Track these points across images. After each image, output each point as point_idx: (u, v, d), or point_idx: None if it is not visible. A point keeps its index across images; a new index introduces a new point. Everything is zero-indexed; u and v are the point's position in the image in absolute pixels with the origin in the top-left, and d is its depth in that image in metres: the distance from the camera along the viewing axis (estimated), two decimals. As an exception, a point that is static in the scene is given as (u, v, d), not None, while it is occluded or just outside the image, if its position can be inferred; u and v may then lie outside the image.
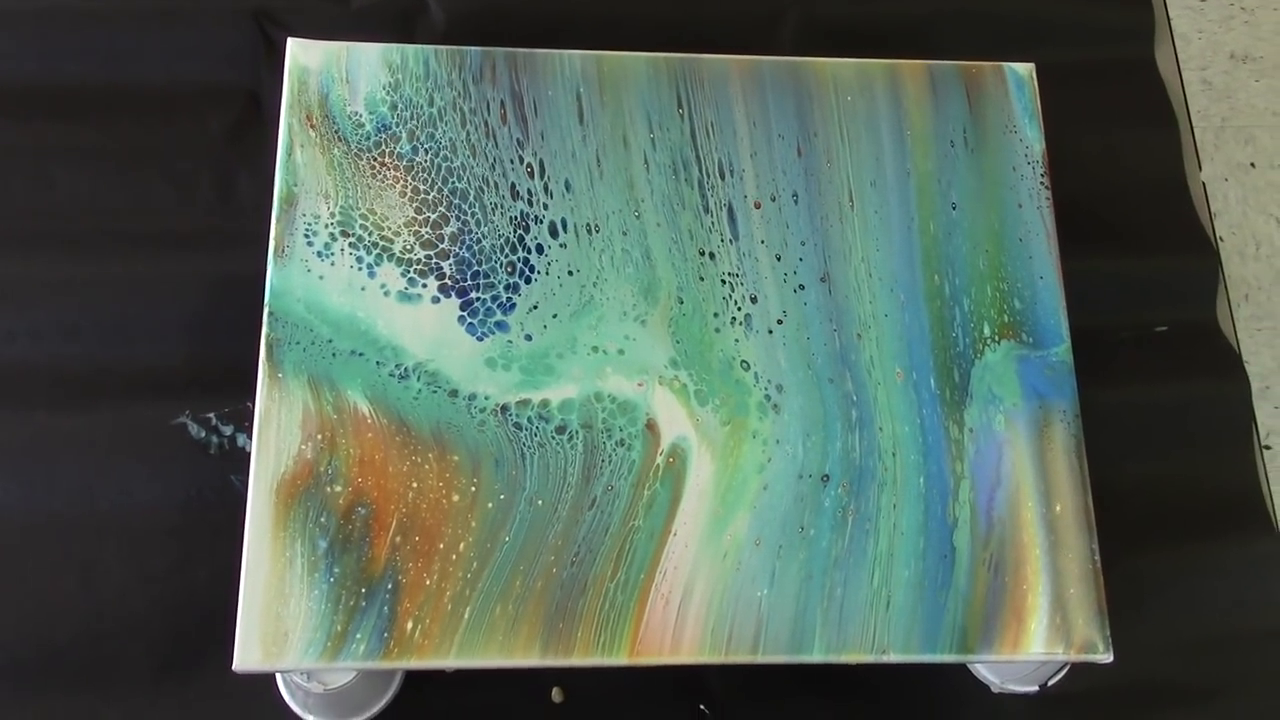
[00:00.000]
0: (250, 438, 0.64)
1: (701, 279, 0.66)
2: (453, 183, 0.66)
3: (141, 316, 0.70)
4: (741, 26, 0.79)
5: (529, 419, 0.62)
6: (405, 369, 0.63)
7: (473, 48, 0.69)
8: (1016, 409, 0.65)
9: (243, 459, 0.66)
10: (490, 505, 0.61)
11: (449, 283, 0.64)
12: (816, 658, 0.60)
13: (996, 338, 0.66)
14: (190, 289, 0.71)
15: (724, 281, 0.66)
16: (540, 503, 0.61)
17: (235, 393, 0.68)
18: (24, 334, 0.69)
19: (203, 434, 0.68)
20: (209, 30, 0.76)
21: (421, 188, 0.66)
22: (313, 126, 0.67)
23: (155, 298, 0.70)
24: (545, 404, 0.63)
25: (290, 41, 0.68)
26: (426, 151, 0.67)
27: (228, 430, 0.68)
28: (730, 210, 0.67)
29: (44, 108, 0.74)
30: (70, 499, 0.67)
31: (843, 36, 0.79)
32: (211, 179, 0.73)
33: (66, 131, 0.74)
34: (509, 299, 0.64)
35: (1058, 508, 0.63)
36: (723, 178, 0.68)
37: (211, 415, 0.68)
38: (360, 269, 0.64)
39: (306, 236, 0.64)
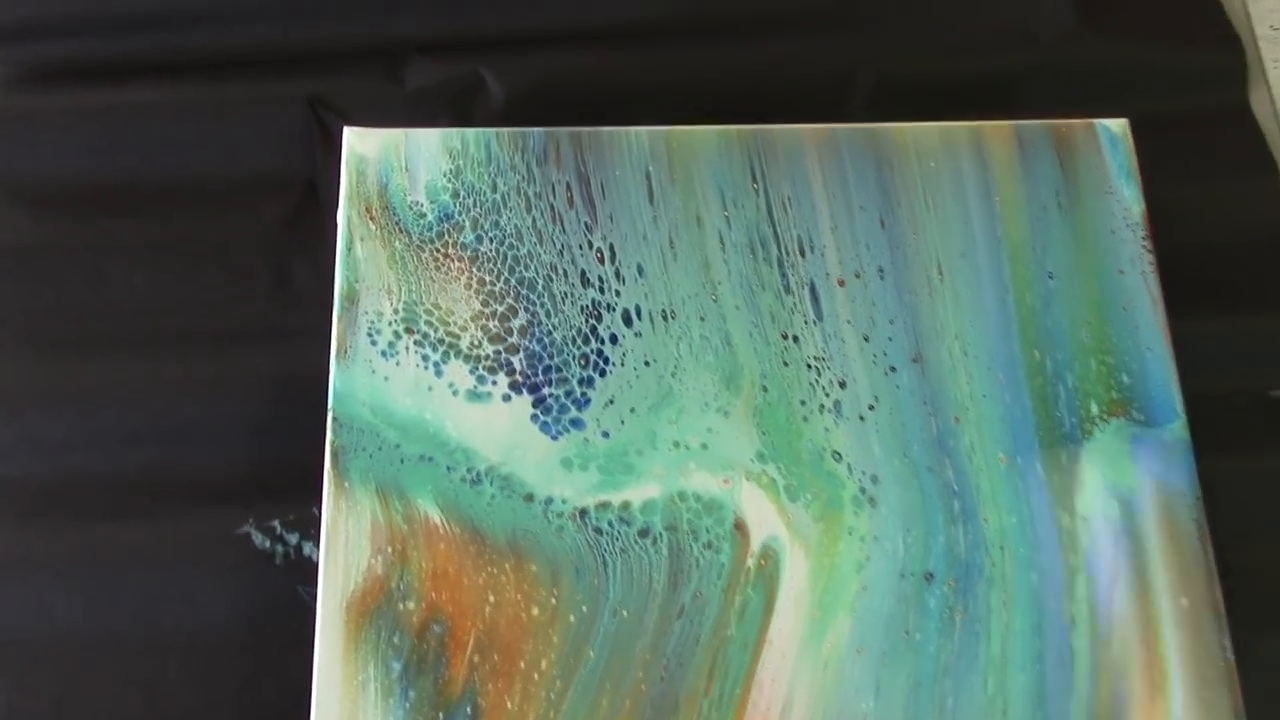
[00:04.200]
0: (317, 545, 0.61)
1: (786, 364, 0.62)
2: (520, 272, 0.63)
3: (202, 419, 0.67)
4: (810, 92, 0.75)
5: (610, 522, 0.59)
6: (477, 473, 0.59)
7: (535, 129, 0.66)
8: (1132, 493, 0.60)
9: (310, 568, 0.63)
10: (572, 618, 0.57)
11: (520, 379, 0.61)
12: (930, 776, 0.55)
13: (1105, 416, 0.61)
14: (250, 388, 0.68)
15: (810, 366, 0.62)
16: (625, 614, 0.57)
17: (300, 497, 0.65)
18: (81, 441, 0.67)
19: (267, 543, 0.65)
20: (262, 118, 0.73)
21: (487, 279, 0.63)
22: (372, 219, 0.64)
23: (215, 399, 0.68)
24: (626, 506, 0.59)
25: (346, 131, 0.65)
26: (491, 240, 0.64)
27: (293, 539, 0.65)
28: (813, 289, 0.63)
29: (96, 204, 0.72)
30: (132, 615, 0.64)
31: (918, 98, 0.75)
32: (269, 270, 0.71)
33: (120, 227, 0.72)
34: (583, 394, 0.61)
35: (1184, 601, 0.58)
36: (803, 255, 0.64)
37: (276, 523, 0.65)
38: (426, 368, 0.61)
39: (370, 335, 0.61)
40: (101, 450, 0.67)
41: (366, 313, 0.62)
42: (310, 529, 0.65)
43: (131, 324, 0.70)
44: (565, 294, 0.63)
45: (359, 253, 0.63)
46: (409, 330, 0.62)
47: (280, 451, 0.67)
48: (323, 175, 0.73)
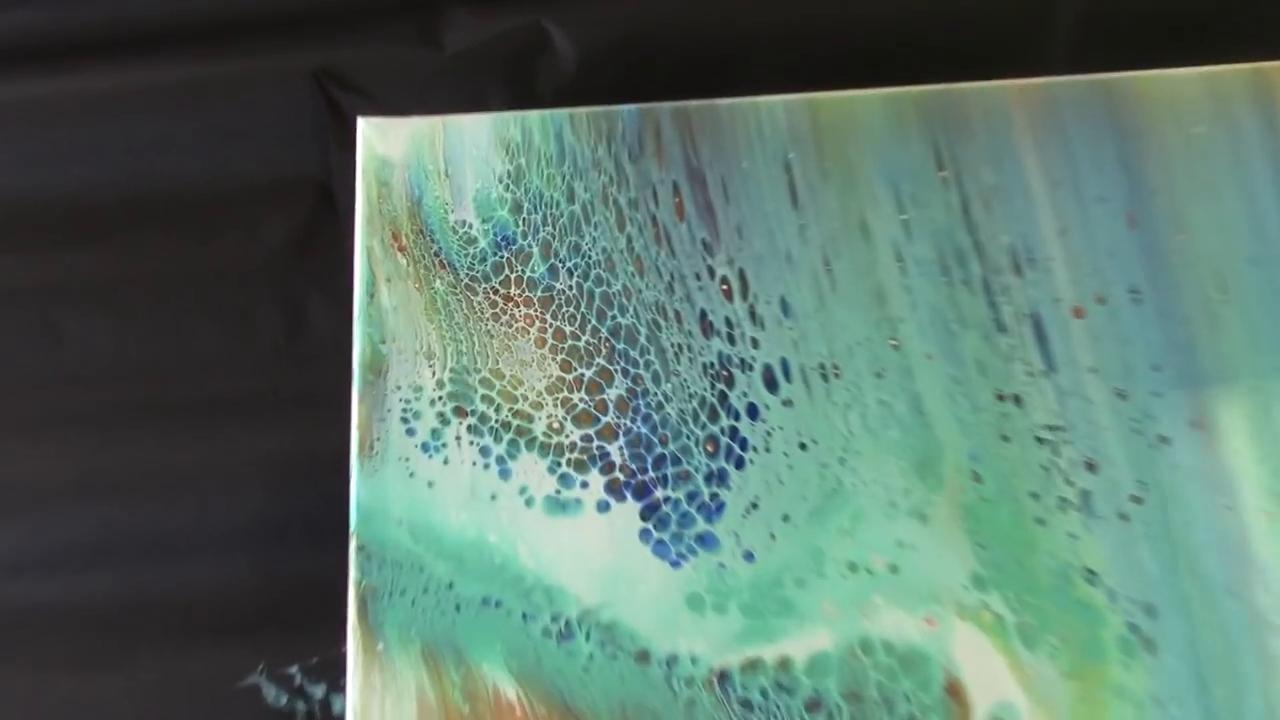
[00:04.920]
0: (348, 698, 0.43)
1: (1005, 439, 0.42)
2: (614, 317, 0.44)
3: (190, 524, 0.49)
4: (994, 28, 0.54)
5: (763, 690, 0.40)
6: (566, 622, 0.41)
7: (624, 106, 0.47)
8: None
9: (342, 731, 0.45)
10: (716, 842, 0.38)
11: (621, 477, 0.42)
12: None
13: None
14: (255, 479, 0.50)
15: (1041, 440, 0.42)
16: (794, 833, 0.39)
17: (325, 630, 0.47)
18: (33, 564, 0.50)
19: (284, 698, 0.47)
20: (257, 104, 0.55)
21: (568, 329, 0.44)
22: (402, 250, 0.45)
23: (207, 494, 0.50)
24: (786, 664, 0.40)
25: (361, 123, 0.46)
26: (571, 273, 0.45)
27: (318, 691, 0.47)
28: (1037, 323, 0.43)
29: (47, 233, 0.54)
30: (108, 802, 0.47)
31: (1148, 29, 0.54)
32: (274, 312, 0.53)
33: (77, 263, 0.54)
34: (714, 496, 0.42)
35: None
36: (1019, 272, 0.44)
37: (294, 670, 0.47)
38: (488, 466, 0.42)
39: (405, 420, 0.43)
40: (60, 572, 0.50)
41: (399, 388, 0.43)
42: (340, 676, 0.47)
43: (92, 395, 0.52)
44: (680, 347, 0.44)
45: (385, 300, 0.44)
46: (460, 411, 0.43)
47: (296, 567, 0.49)
48: (339, 177, 0.54)
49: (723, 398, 0.43)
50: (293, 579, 0.49)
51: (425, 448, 0.43)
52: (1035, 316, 0.44)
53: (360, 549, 0.42)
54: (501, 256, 0.45)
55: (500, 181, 0.46)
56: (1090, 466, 0.42)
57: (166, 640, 0.49)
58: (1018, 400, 0.43)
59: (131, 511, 0.50)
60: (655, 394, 0.43)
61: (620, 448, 0.43)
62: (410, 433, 0.43)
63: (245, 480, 0.50)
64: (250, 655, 0.48)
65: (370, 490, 0.42)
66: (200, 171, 0.55)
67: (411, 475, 0.42)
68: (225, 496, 0.50)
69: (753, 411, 0.43)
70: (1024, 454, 0.42)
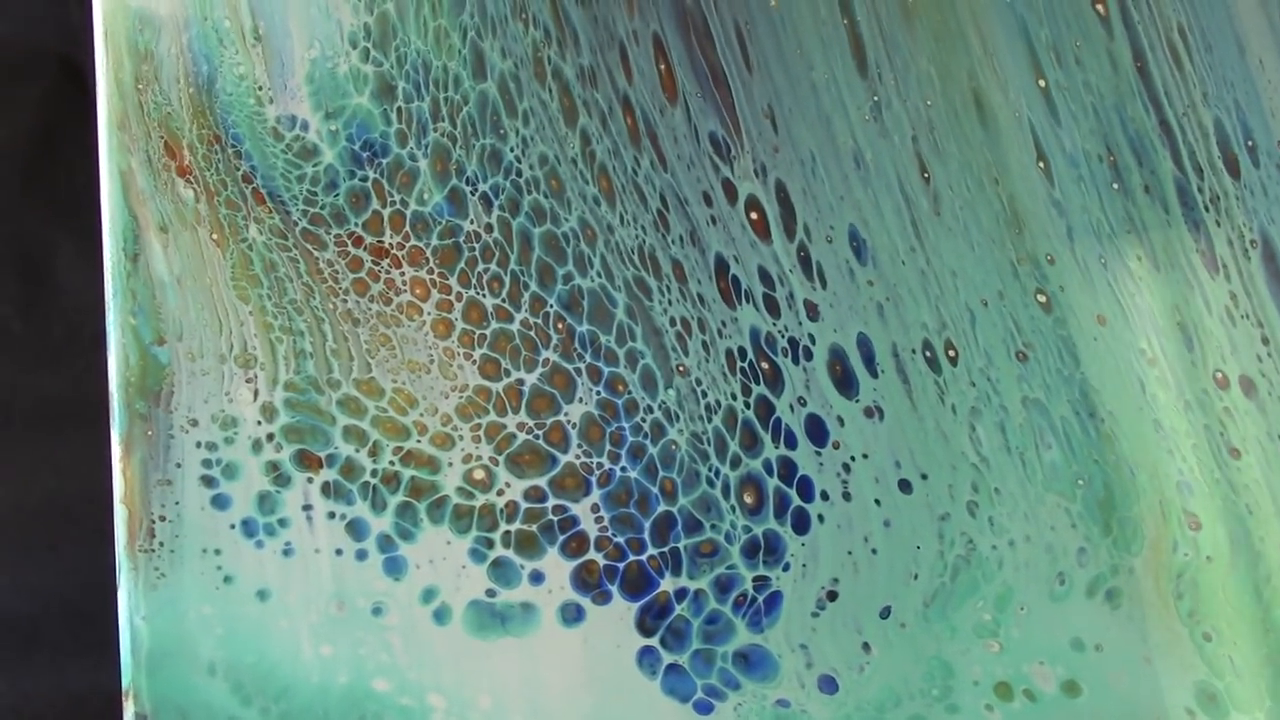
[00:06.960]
0: None
1: (1235, 453, 0.25)
2: (568, 278, 0.25)
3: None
4: None
5: None
6: (524, 832, 0.23)
7: (563, -93, 0.27)
8: None
9: None
10: None
11: (600, 560, 0.24)
12: None
13: None
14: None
15: (1293, 453, 0.25)
16: None
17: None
18: None
19: None
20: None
21: (489, 303, 0.25)
22: (185, 173, 0.25)
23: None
24: None
25: (96, -52, 0.26)
26: (489, 203, 0.26)
27: None
28: (1271, 256, 0.26)
29: None
30: None
31: None
32: (3, 275, 0.32)
33: None
34: (761, 583, 0.24)
35: None
36: (1236, 172, 0.27)
37: None
38: (363, 555, 0.24)
39: (209, 481, 0.24)
40: None
41: (194, 423, 0.24)
42: None
43: None
44: (686, 325, 0.25)
45: (160, 267, 0.25)
46: (308, 460, 0.24)
47: (56, 689, 0.30)
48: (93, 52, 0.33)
49: (765, 409, 0.25)
50: (51, 710, 0.30)
51: (249, 529, 0.24)
52: (1266, 243, 0.26)
53: (141, 722, 0.23)
54: (364, 179, 0.26)
55: (353, 45, 0.26)
56: (1376, 493, 0.25)
57: None
58: (1249, 386, 0.26)
59: None
60: (648, 413, 0.25)
61: (595, 508, 0.24)
62: (220, 504, 0.24)
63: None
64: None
65: (153, 614, 0.23)
66: None
67: (227, 580, 0.24)
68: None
69: (817, 430, 0.25)
70: (1269, 477, 0.25)
